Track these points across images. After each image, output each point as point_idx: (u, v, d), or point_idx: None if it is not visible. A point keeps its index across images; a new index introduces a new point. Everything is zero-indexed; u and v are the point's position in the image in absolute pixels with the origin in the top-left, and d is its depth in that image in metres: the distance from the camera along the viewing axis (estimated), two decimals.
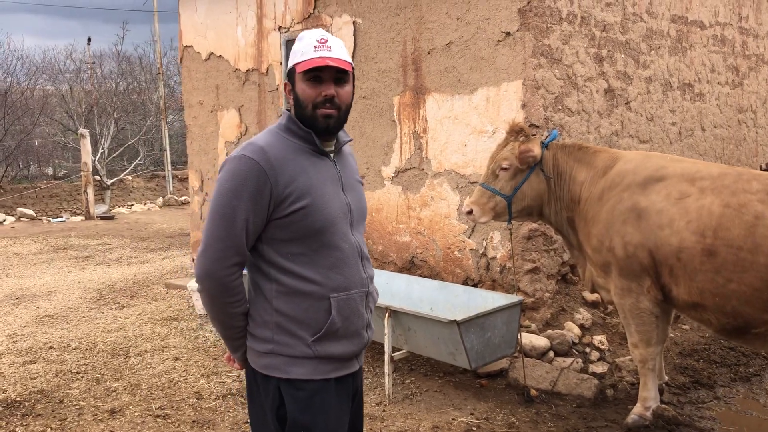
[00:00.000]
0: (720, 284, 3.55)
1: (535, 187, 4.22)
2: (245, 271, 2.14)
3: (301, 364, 2.05)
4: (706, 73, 6.71)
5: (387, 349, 4.48)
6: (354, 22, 6.26)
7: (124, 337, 6.08)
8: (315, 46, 2.06)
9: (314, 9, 6.64)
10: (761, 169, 7.55)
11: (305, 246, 2.06)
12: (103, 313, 7.03)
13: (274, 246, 2.06)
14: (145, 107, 26.54)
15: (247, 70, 7.44)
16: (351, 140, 2.31)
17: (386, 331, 4.45)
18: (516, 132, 4.27)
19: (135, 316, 6.80)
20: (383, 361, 4.54)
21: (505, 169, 4.24)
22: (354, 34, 6.27)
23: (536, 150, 4.15)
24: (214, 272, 2.02)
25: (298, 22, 6.85)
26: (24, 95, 24.12)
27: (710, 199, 3.65)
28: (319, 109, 2.08)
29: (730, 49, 6.98)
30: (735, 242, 3.48)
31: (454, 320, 4.10)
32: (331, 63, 2.03)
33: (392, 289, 5.34)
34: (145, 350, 5.68)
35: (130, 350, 5.70)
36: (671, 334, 5.53)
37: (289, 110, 2.18)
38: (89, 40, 34.99)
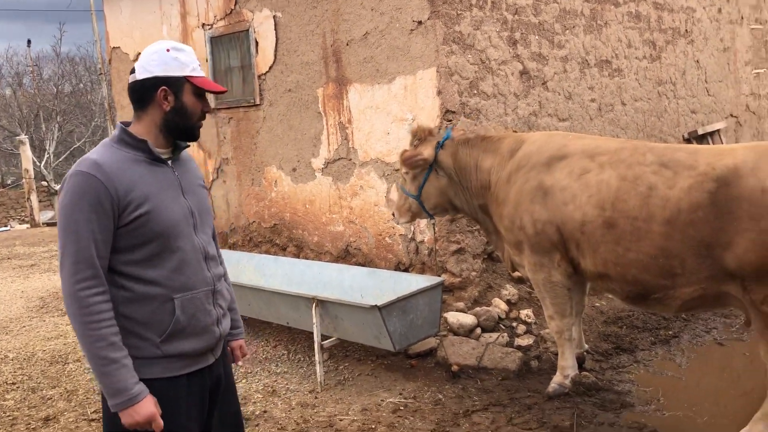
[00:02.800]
0: (620, 254, 3.73)
1: (436, 185, 4.48)
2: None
3: (150, 364, 2.17)
4: (623, 48, 6.93)
5: (316, 338, 4.60)
6: (274, 17, 6.30)
7: (64, 344, 6.07)
8: (199, 65, 2.29)
9: (235, 5, 6.65)
10: (684, 139, 7.83)
11: (148, 251, 2.16)
12: (44, 321, 6.99)
13: (119, 254, 2.15)
14: (90, 108, 26.07)
15: None
16: (188, 146, 2.40)
17: (314, 320, 4.57)
18: (416, 135, 4.51)
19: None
20: (314, 349, 4.65)
21: (406, 172, 4.56)
22: (275, 28, 6.31)
23: (426, 153, 4.42)
24: (68, 289, 2.08)
25: (220, 19, 6.86)
26: None
27: (608, 173, 3.83)
28: (199, 122, 2.30)
29: (645, 24, 7.21)
30: (631, 213, 3.66)
31: (376, 305, 4.23)
32: (223, 87, 2.37)
33: (324, 278, 5.45)
34: (84, 356, 5.69)
35: (69, 357, 5.71)
36: (597, 303, 5.76)
37: (124, 123, 2.26)
38: (29, 42, 34.08)
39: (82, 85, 28.15)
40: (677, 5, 7.64)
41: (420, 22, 5.19)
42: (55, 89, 25.80)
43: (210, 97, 7.04)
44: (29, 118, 23.80)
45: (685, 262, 3.49)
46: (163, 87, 2.20)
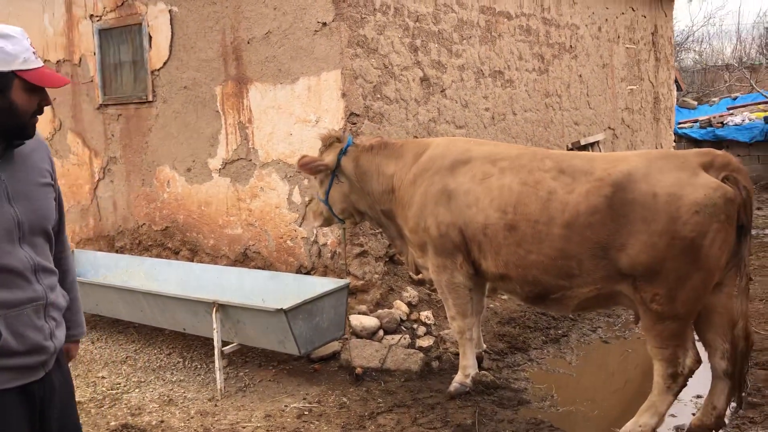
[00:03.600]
0: (522, 256, 3.88)
1: (339, 190, 4.57)
2: None
3: None
4: (515, 60, 7.23)
5: (217, 344, 4.44)
6: (170, 11, 6.06)
7: None
8: (34, 53, 1.99)
9: None
10: (568, 149, 8.27)
11: None
12: None
13: None
14: None
15: (58, 61, 6.95)
16: (22, 143, 2.11)
17: (215, 325, 4.41)
18: (325, 141, 4.58)
19: None
20: (215, 356, 4.50)
21: (314, 177, 4.70)
22: (171, 23, 6.07)
23: (327, 159, 4.52)
24: None
25: (111, 11, 6.50)
26: None
27: (510, 177, 3.97)
28: (33, 118, 2.05)
29: (535, 38, 7.56)
30: (532, 216, 3.81)
31: (282, 309, 4.15)
32: (66, 83, 2.06)
33: (223, 282, 5.28)
34: None
35: None
36: (492, 305, 5.96)
37: None
38: None
39: None
40: (563, 22, 8.07)
41: (324, 24, 5.17)
42: None
43: (98, 92, 6.67)
44: None
45: (583, 264, 3.67)
46: None
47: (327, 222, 4.80)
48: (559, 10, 7.99)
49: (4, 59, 1.92)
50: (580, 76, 8.52)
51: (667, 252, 3.41)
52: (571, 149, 8.27)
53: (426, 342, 5.14)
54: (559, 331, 5.65)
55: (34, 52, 2.00)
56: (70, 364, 2.46)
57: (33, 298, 2.07)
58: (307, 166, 4.49)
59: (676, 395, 3.68)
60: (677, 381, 3.61)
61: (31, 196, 2.09)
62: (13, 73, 1.95)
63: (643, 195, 3.46)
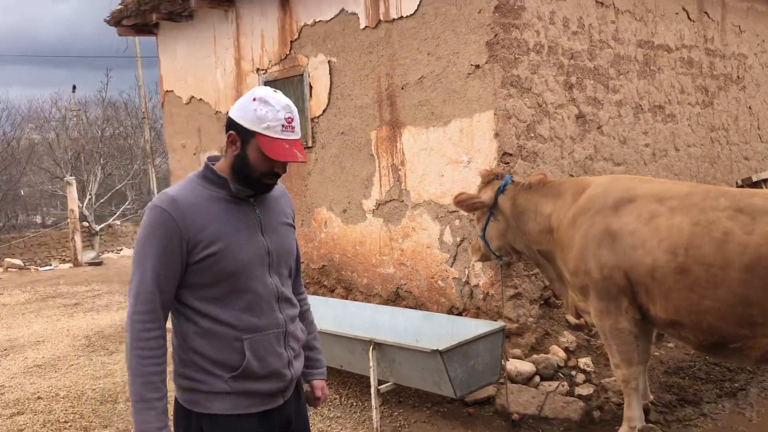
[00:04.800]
0: (694, 301, 3.61)
1: (496, 228, 4.54)
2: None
3: (220, 399, 2.14)
4: (676, 94, 6.87)
5: (373, 382, 4.50)
6: (329, 61, 6.40)
7: (113, 383, 6.06)
8: (283, 126, 2.12)
9: (290, 50, 6.78)
10: (737, 186, 7.68)
11: (218, 289, 2.14)
12: (91, 360, 7.00)
13: (191, 289, 2.15)
14: (131, 151, 26.68)
15: (227, 112, 7.54)
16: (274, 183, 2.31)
17: (371, 364, 4.48)
18: (484, 178, 4.61)
19: (123, 362, 6.78)
20: (371, 394, 4.56)
21: (472, 214, 4.80)
22: (330, 73, 6.40)
23: (484, 197, 4.52)
24: (128, 317, 2.10)
25: (275, 64, 6.99)
26: (10, 146, 24.19)
27: (680, 217, 3.73)
28: (265, 179, 2.19)
29: (698, 70, 7.16)
30: (706, 259, 3.54)
31: (437, 350, 4.14)
32: (300, 159, 2.14)
33: (377, 321, 5.37)
34: None
35: (119, 396, 5.68)
36: (656, 353, 5.58)
37: (210, 160, 2.25)
38: (74, 87, 35.36)
39: (123, 129, 28.89)
40: (729, 52, 7.58)
41: (477, 66, 5.21)
42: (99, 133, 26.51)
43: None
44: (72, 160, 24.42)
45: (767, 311, 3.35)
46: (232, 132, 2.15)
47: (484, 257, 4.80)
48: (724, 40, 7.53)
49: (252, 119, 2.12)
50: (750, 108, 7.92)
51: None
52: (741, 186, 7.67)
53: (585, 390, 4.90)
54: (736, 384, 5.16)
55: (284, 126, 2.12)
56: None
57: (275, 325, 2.23)
58: (464, 203, 4.52)
59: None
60: None
61: (278, 231, 2.29)
62: (254, 133, 2.14)
63: None
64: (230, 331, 2.14)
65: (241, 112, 2.14)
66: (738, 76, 7.74)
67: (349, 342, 4.71)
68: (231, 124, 2.16)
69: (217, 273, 2.12)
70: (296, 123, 2.16)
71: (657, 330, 4.17)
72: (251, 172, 2.17)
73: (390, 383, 4.60)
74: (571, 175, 5.64)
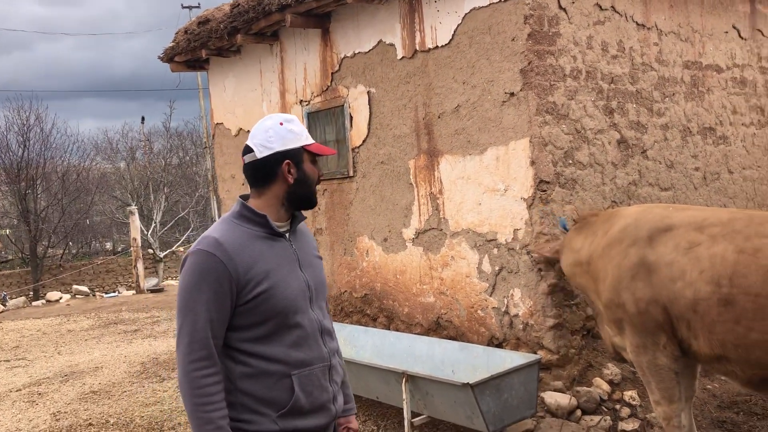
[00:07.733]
0: (741, 334, 3.43)
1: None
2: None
3: None
4: (728, 115, 6.63)
5: (406, 414, 4.46)
6: (368, 92, 6.47)
7: (161, 411, 6.20)
8: (306, 133, 2.29)
9: (331, 82, 6.89)
10: None
11: (266, 328, 2.14)
12: (143, 387, 7.19)
13: (237, 331, 2.14)
14: (195, 179, 27.53)
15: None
16: (305, 218, 2.39)
17: (404, 396, 4.45)
18: (577, 221, 4.69)
19: (173, 389, 6.94)
20: (404, 426, 4.51)
21: None
22: (369, 103, 6.47)
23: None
24: (182, 368, 2.07)
25: (317, 95, 7.11)
26: (80, 176, 25.34)
27: (722, 245, 3.56)
28: (315, 187, 2.32)
29: (751, 89, 6.89)
30: (753, 289, 3.37)
31: (468, 383, 4.08)
32: (334, 153, 2.43)
33: (414, 352, 5.34)
34: (179, 423, 5.78)
35: (165, 424, 5.81)
36: (709, 386, 5.33)
37: (243, 198, 2.29)
38: (143, 119, 36.85)
39: (188, 158, 29.90)
40: None
41: (512, 94, 5.17)
42: (164, 162, 27.50)
43: None
44: (140, 189, 25.37)
45: None
46: (287, 161, 2.21)
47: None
48: None
49: (295, 138, 2.23)
50: None
51: None
52: None
53: (631, 425, 4.72)
54: None
55: (307, 132, 2.32)
56: None
57: (321, 359, 2.24)
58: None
59: None
60: None
61: (313, 264, 2.34)
62: (302, 148, 2.24)
63: None
64: (280, 367, 2.13)
65: (282, 140, 2.20)
66: None
67: (384, 374, 4.70)
68: (279, 157, 2.20)
69: (267, 312, 2.12)
70: None
71: (701, 365, 3.99)
72: (311, 186, 2.27)
73: (424, 416, 4.55)
74: (614, 202, 5.50)
